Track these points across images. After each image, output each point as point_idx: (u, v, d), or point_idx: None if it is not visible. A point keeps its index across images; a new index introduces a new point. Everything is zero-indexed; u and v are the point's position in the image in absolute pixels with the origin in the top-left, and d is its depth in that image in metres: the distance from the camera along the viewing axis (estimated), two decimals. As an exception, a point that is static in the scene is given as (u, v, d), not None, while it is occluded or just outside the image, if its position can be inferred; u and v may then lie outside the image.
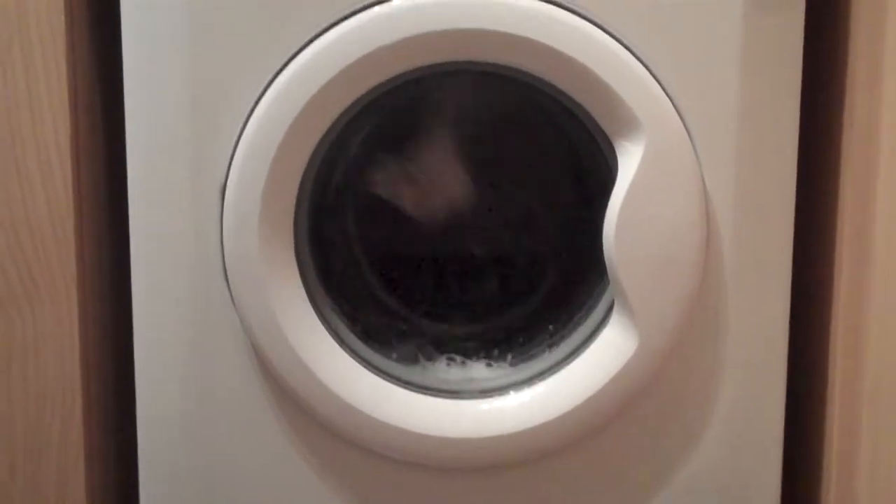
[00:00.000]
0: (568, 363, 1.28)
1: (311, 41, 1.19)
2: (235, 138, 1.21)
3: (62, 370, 1.27)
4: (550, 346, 1.34)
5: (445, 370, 1.35)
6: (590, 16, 1.20)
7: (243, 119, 1.21)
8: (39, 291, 1.25)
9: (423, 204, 1.43)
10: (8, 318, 1.26)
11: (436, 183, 1.42)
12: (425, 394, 1.29)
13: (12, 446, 1.28)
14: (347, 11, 1.19)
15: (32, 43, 1.21)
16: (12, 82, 1.22)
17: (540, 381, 1.29)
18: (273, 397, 1.28)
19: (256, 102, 1.20)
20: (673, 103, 1.21)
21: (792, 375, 1.30)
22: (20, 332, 1.26)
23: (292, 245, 1.24)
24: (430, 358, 1.36)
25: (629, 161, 1.20)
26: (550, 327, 1.37)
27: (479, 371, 1.35)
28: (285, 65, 1.20)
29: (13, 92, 1.22)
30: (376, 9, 1.18)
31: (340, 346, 1.27)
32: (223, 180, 1.22)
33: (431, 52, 1.20)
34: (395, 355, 1.35)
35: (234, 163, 1.21)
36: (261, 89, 1.20)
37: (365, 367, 1.28)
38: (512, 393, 1.29)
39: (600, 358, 1.26)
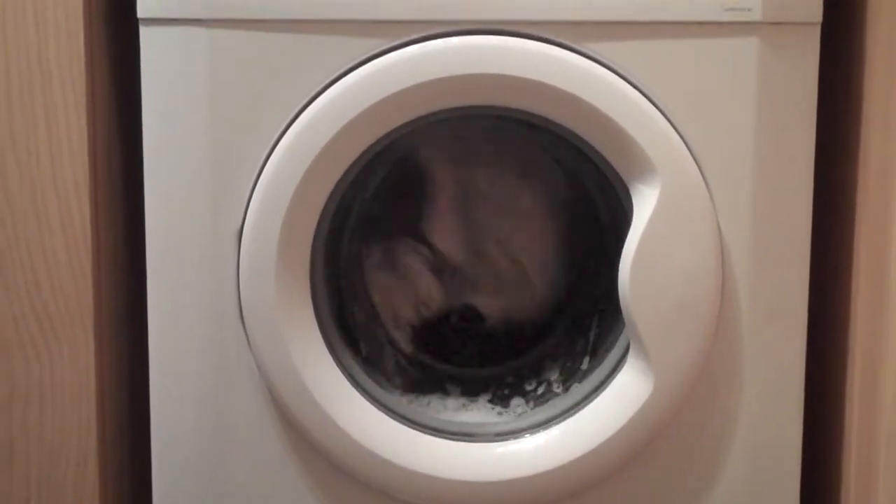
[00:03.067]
0: (584, 406, 1.28)
1: (327, 87, 1.20)
2: (252, 184, 1.22)
3: (78, 413, 1.27)
4: (566, 389, 1.34)
5: (461, 413, 1.35)
6: (605, 60, 1.21)
7: (260, 165, 1.22)
8: (57, 335, 1.26)
9: (437, 247, 1.43)
10: (26, 361, 1.26)
11: (450, 227, 1.43)
12: (441, 437, 1.29)
13: (27, 488, 1.28)
14: (362, 58, 1.20)
15: (53, 89, 1.22)
16: (33, 130, 1.23)
17: (556, 424, 1.28)
18: (289, 440, 1.27)
19: (272, 149, 1.21)
20: (688, 147, 1.21)
21: (808, 420, 1.29)
22: (37, 376, 1.26)
23: (308, 289, 1.25)
24: (445, 401, 1.36)
25: (644, 205, 1.21)
26: (566, 370, 1.37)
27: (494, 414, 1.34)
28: (302, 110, 1.20)
29: (34, 137, 1.23)
30: (391, 55, 1.19)
31: (356, 389, 1.27)
32: (240, 225, 1.23)
33: (446, 97, 1.21)
34: (410, 399, 1.35)
35: (250, 208, 1.22)
36: (278, 134, 1.21)
37: (381, 410, 1.28)
38: (527, 436, 1.29)
39: (616, 401, 1.25)
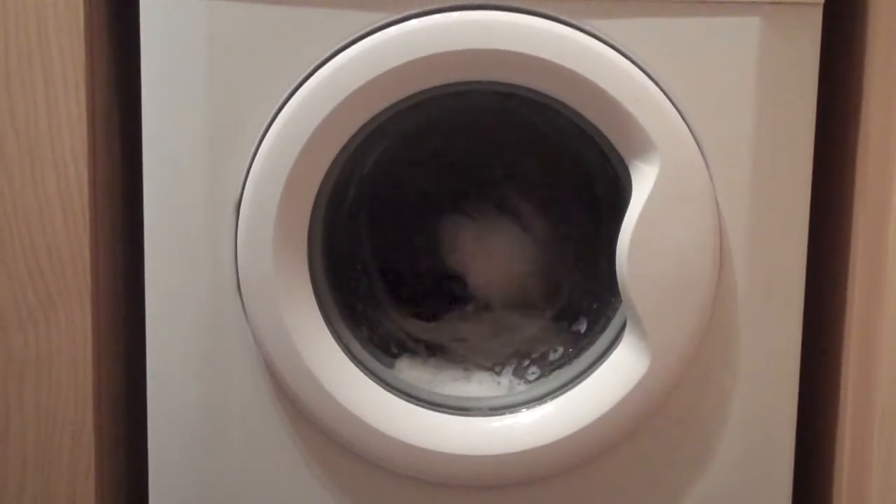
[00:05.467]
0: (579, 382, 1.28)
1: (326, 60, 1.20)
2: (251, 155, 1.22)
3: (75, 384, 1.27)
4: (562, 365, 1.34)
5: (456, 387, 1.35)
6: (605, 37, 1.20)
7: (259, 136, 1.21)
8: (54, 306, 1.26)
9: (435, 222, 1.43)
10: (23, 332, 1.26)
11: (449, 201, 1.43)
12: (436, 410, 1.29)
13: (23, 458, 1.28)
14: (362, 32, 1.20)
15: (52, 59, 1.22)
16: (31, 99, 1.22)
17: (551, 399, 1.29)
18: (284, 411, 1.28)
19: (272, 120, 1.21)
20: (687, 125, 1.21)
21: (803, 396, 1.30)
22: (34, 346, 1.26)
23: (306, 261, 1.25)
24: (441, 375, 1.36)
25: (643, 182, 1.21)
26: (562, 346, 1.37)
27: (490, 388, 1.35)
28: (301, 83, 1.20)
29: (32, 109, 1.22)
30: (392, 29, 1.19)
31: (352, 361, 1.28)
32: (238, 198, 1.23)
33: (446, 72, 1.20)
34: (406, 371, 1.35)
35: (249, 180, 1.21)
36: (276, 107, 1.21)
37: (376, 382, 1.28)
38: (523, 411, 1.29)
39: (612, 378, 1.26)
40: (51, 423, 1.28)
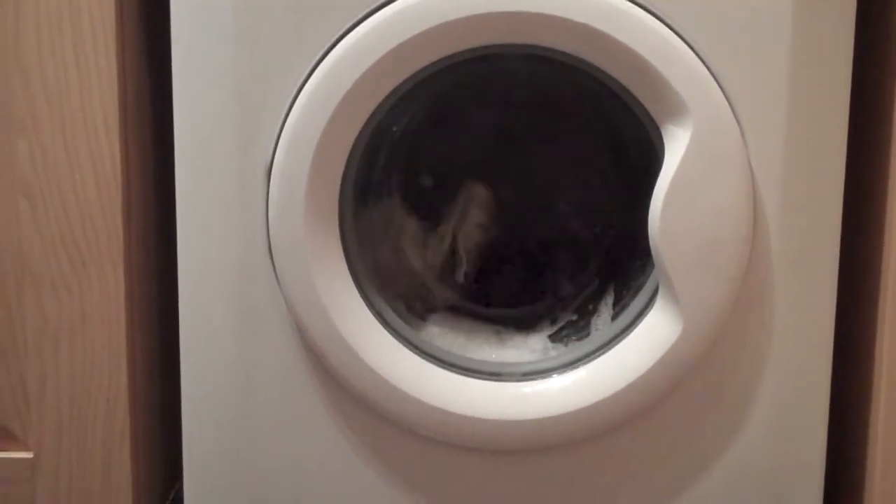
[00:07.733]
0: (611, 347, 1.28)
1: (357, 23, 1.19)
2: (282, 119, 1.22)
3: (108, 348, 1.28)
4: (594, 330, 1.34)
5: (489, 352, 1.35)
6: (638, -1, 1.20)
7: (290, 100, 1.21)
8: (87, 270, 1.26)
9: (469, 185, 1.43)
10: (56, 296, 1.27)
11: (482, 165, 1.42)
12: (468, 376, 1.29)
13: (59, 423, 1.30)
14: (394, -6, 1.19)
15: (83, 25, 1.22)
16: (62, 64, 1.23)
17: (583, 364, 1.28)
18: (316, 376, 1.28)
19: (303, 84, 1.20)
20: (721, 88, 1.20)
21: (837, 363, 1.29)
22: (68, 310, 1.27)
23: (337, 225, 1.25)
24: (474, 340, 1.36)
25: (676, 146, 1.20)
26: (594, 311, 1.37)
27: (522, 353, 1.35)
28: (332, 46, 1.20)
29: (63, 74, 1.23)
30: (422, -8, 1.18)
31: (384, 326, 1.28)
32: (269, 161, 1.23)
33: (478, 35, 1.20)
34: (438, 336, 1.35)
35: (279, 144, 1.21)
36: (307, 71, 1.20)
37: (408, 347, 1.28)
38: (555, 376, 1.29)
39: (644, 342, 1.25)
40: (85, 387, 1.29)
